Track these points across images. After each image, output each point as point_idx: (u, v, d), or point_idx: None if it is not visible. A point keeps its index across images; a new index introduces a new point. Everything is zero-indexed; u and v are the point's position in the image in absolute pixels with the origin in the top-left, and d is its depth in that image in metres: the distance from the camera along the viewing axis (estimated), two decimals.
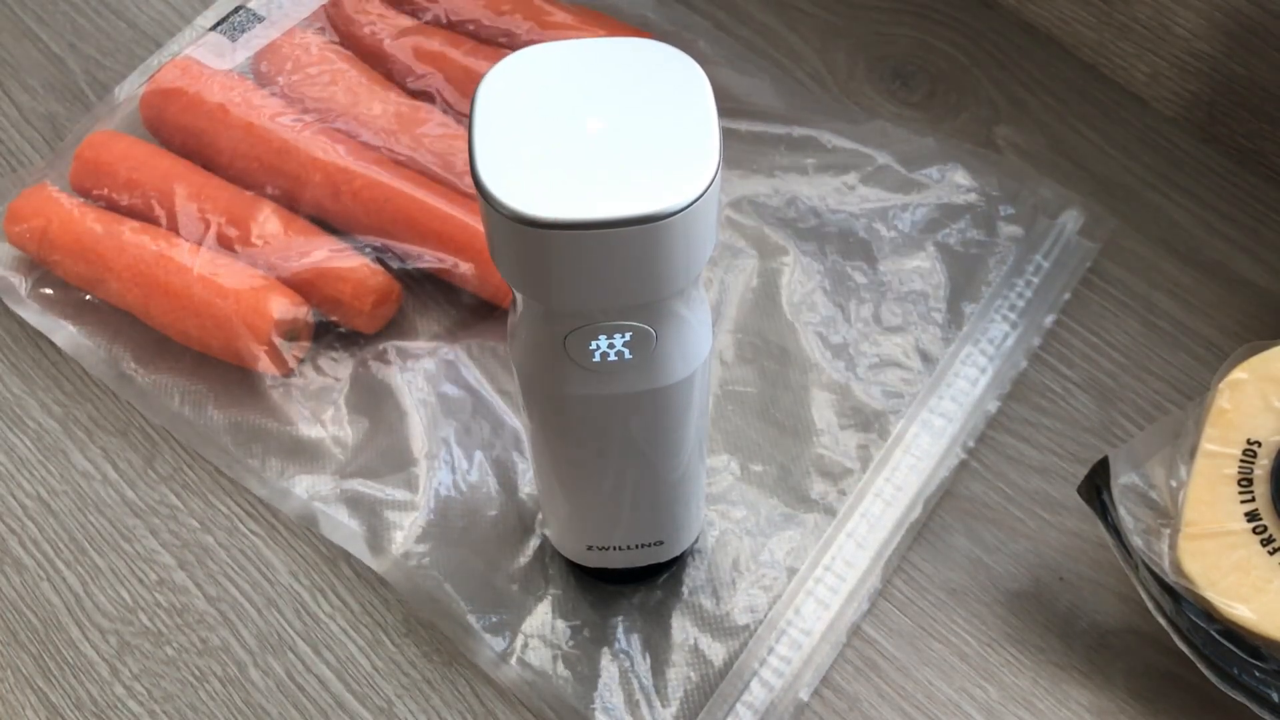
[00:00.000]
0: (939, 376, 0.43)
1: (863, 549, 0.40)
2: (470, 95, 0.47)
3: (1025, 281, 0.45)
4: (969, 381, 0.43)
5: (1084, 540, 0.41)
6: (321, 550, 0.41)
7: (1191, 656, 0.36)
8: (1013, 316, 0.45)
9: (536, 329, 0.30)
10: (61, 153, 0.49)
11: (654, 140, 0.26)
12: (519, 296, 0.30)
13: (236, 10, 0.49)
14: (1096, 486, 0.37)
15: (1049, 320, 0.45)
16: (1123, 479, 0.38)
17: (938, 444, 0.42)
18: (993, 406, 0.43)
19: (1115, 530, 0.37)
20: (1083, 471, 0.42)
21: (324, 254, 0.44)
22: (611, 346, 0.29)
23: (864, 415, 0.43)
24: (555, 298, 0.28)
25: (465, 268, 0.44)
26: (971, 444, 0.43)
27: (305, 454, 0.43)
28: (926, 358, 0.44)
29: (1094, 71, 0.51)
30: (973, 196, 0.47)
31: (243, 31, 0.48)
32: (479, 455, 0.42)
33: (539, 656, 0.39)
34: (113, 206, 0.46)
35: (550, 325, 0.29)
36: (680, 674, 0.39)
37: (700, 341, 0.30)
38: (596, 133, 0.26)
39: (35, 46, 0.54)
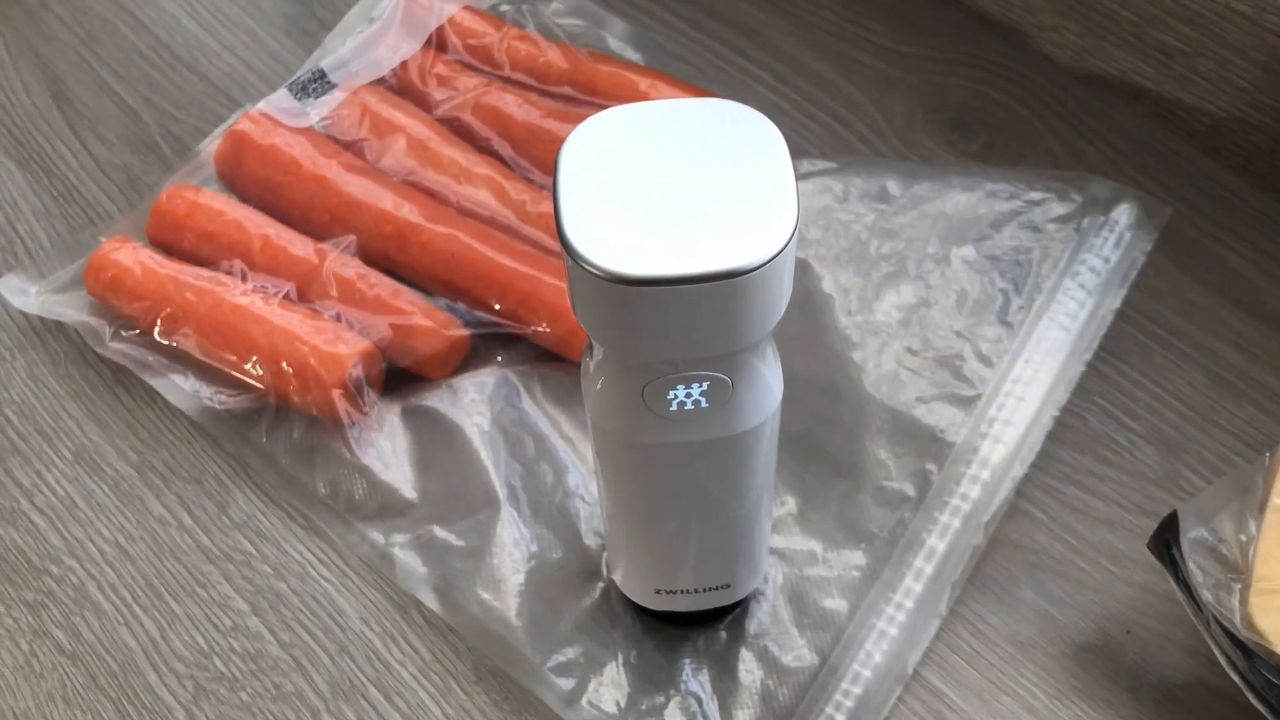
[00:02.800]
0: (993, 392, 0.44)
1: (921, 579, 0.40)
2: (532, 152, 0.49)
3: (1079, 285, 0.45)
4: (1019, 400, 0.43)
5: (1151, 593, 0.41)
6: (392, 597, 0.42)
7: (1265, 712, 0.36)
8: (1068, 321, 0.45)
9: (614, 379, 0.30)
10: (138, 205, 0.50)
11: (733, 197, 0.27)
12: (598, 348, 0.30)
13: (308, 73, 0.51)
14: (1166, 541, 0.37)
15: (1113, 307, 0.45)
16: (1192, 533, 0.38)
17: (995, 461, 0.42)
18: (1050, 421, 0.43)
19: (1186, 585, 0.37)
20: (1148, 524, 0.42)
21: (396, 304, 0.45)
22: (689, 396, 0.30)
23: (919, 441, 0.43)
24: (637, 350, 0.28)
25: (530, 319, 0.45)
26: (1032, 460, 0.43)
27: (377, 497, 0.43)
28: (980, 377, 0.44)
29: (1153, 122, 0.51)
30: (1017, 203, 0.47)
31: (314, 95, 0.50)
32: (544, 499, 0.43)
33: (607, 699, 0.39)
34: (189, 258, 0.47)
35: (629, 376, 0.30)
36: (747, 714, 0.39)
37: (773, 389, 0.31)
38: (677, 191, 0.27)
39: (111, 100, 0.56)
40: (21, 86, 0.57)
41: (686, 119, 0.28)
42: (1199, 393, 0.45)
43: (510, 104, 0.50)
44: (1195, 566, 0.37)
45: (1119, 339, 0.46)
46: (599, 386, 0.31)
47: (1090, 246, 0.46)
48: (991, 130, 0.52)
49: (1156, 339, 0.46)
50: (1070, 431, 0.44)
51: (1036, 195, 0.47)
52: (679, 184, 0.27)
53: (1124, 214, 0.46)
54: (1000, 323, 0.45)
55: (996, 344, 0.45)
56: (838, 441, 0.44)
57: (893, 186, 0.48)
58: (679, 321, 0.27)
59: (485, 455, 0.44)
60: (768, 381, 0.31)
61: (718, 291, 0.26)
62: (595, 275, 0.26)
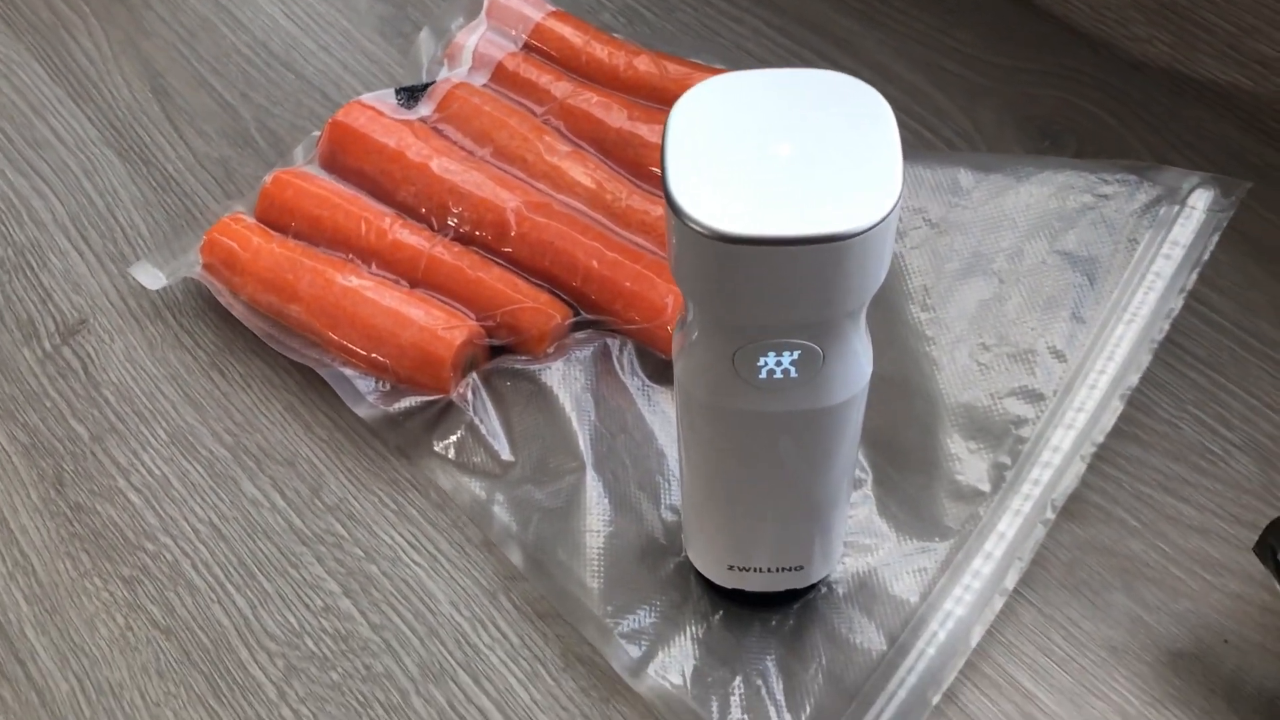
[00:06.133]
0: (1067, 388, 0.43)
1: (990, 561, 0.40)
2: (624, 156, 0.49)
3: (1155, 274, 0.45)
4: (1091, 389, 0.43)
5: (1248, 603, 0.40)
6: (482, 583, 0.42)
7: None
8: (1141, 309, 0.44)
9: (707, 344, 0.30)
10: (235, 195, 0.51)
11: (839, 165, 0.27)
12: (693, 314, 0.30)
13: (417, 84, 0.52)
14: (1271, 546, 0.37)
15: (1186, 287, 0.45)
16: None
17: (1065, 447, 0.42)
18: (1120, 404, 0.43)
19: None
20: (1244, 533, 0.42)
21: (500, 288, 0.46)
22: (779, 364, 0.30)
23: (993, 436, 0.43)
24: (734, 312, 0.28)
25: (624, 313, 0.45)
26: (1100, 439, 0.42)
27: (481, 455, 0.44)
28: (1054, 373, 0.44)
29: (1247, 134, 0.51)
30: (1089, 196, 0.47)
31: (418, 102, 0.51)
32: (627, 470, 0.43)
33: (674, 670, 0.39)
34: (297, 239, 0.48)
35: (722, 340, 0.30)
36: (814, 693, 0.39)
37: (863, 366, 0.31)
38: (784, 156, 0.27)
39: (209, 95, 0.57)
40: (123, 81, 0.58)
41: (795, 87, 0.29)
42: None
43: (600, 108, 0.50)
44: None
45: (1214, 350, 0.46)
46: (690, 351, 0.31)
47: (1165, 236, 0.46)
48: (1081, 139, 0.52)
49: (1252, 350, 0.46)
50: (1164, 440, 0.44)
51: (1110, 188, 0.47)
52: (786, 149, 0.27)
53: (1200, 199, 0.46)
54: (1074, 318, 0.45)
55: (1071, 340, 0.44)
56: (912, 436, 0.44)
57: (965, 179, 0.48)
58: (776, 284, 0.27)
59: (575, 420, 0.44)
60: (859, 357, 0.31)
61: (818, 255, 0.26)
62: (698, 233, 0.26)
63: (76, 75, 0.59)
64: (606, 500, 0.43)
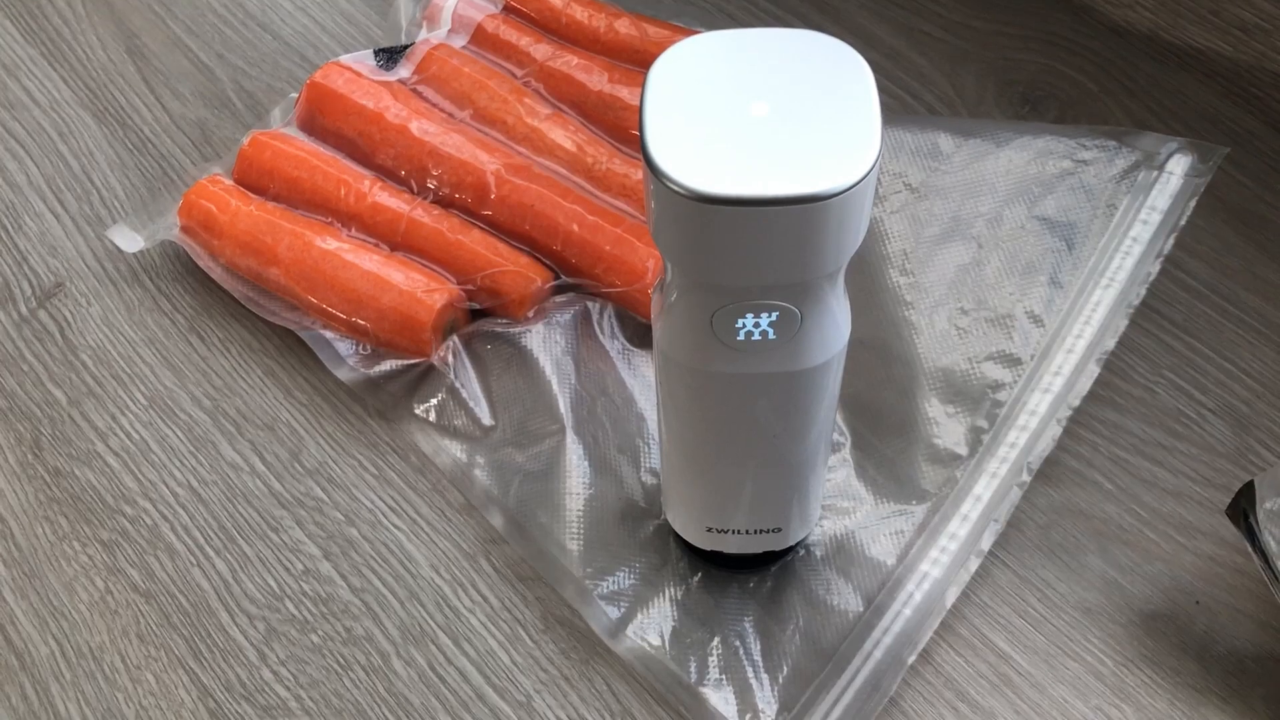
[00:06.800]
0: (1044, 352, 0.44)
1: (966, 523, 0.41)
2: (604, 119, 0.49)
3: (1132, 239, 0.45)
4: (1068, 354, 0.44)
5: (1220, 565, 0.41)
6: (462, 546, 0.42)
7: None
8: (1118, 274, 0.45)
9: (685, 305, 0.30)
10: (212, 159, 0.51)
11: (817, 125, 0.27)
12: (671, 275, 0.30)
13: (396, 45, 0.51)
14: (1243, 509, 0.37)
15: (1163, 252, 0.45)
16: (1269, 503, 0.38)
17: (1043, 410, 0.43)
18: (1097, 367, 0.43)
19: (1262, 553, 0.37)
20: (1218, 497, 0.42)
21: (481, 250, 0.45)
22: (757, 326, 0.30)
23: (971, 400, 0.43)
24: (712, 272, 0.28)
25: (605, 276, 0.45)
26: (1077, 403, 0.42)
27: (462, 419, 0.44)
28: (1031, 338, 0.44)
29: (1227, 100, 0.51)
30: (1068, 162, 0.47)
31: (397, 61, 0.50)
32: (607, 433, 0.43)
33: (652, 631, 0.40)
34: (275, 202, 0.47)
35: (700, 301, 0.30)
36: (789, 657, 0.39)
37: (840, 329, 0.31)
38: (762, 116, 0.27)
39: (185, 56, 0.56)
40: (97, 41, 0.57)
41: (774, 47, 0.28)
42: (1270, 369, 0.45)
43: (580, 71, 0.50)
44: (1271, 537, 0.37)
45: (1191, 315, 0.46)
46: (669, 313, 0.31)
47: (1143, 201, 0.46)
48: (1062, 105, 0.52)
49: (1228, 315, 0.46)
50: (1140, 404, 0.44)
51: (1089, 154, 0.47)
52: (765, 109, 0.27)
53: (1179, 164, 0.46)
54: (1052, 283, 0.45)
55: (1048, 305, 0.45)
56: (890, 400, 0.44)
57: (945, 144, 0.48)
58: (754, 244, 0.27)
59: (556, 384, 0.44)
60: (836, 320, 0.31)
61: (796, 215, 0.26)
62: (676, 193, 0.26)
63: (50, 35, 0.58)
64: (586, 463, 0.43)
